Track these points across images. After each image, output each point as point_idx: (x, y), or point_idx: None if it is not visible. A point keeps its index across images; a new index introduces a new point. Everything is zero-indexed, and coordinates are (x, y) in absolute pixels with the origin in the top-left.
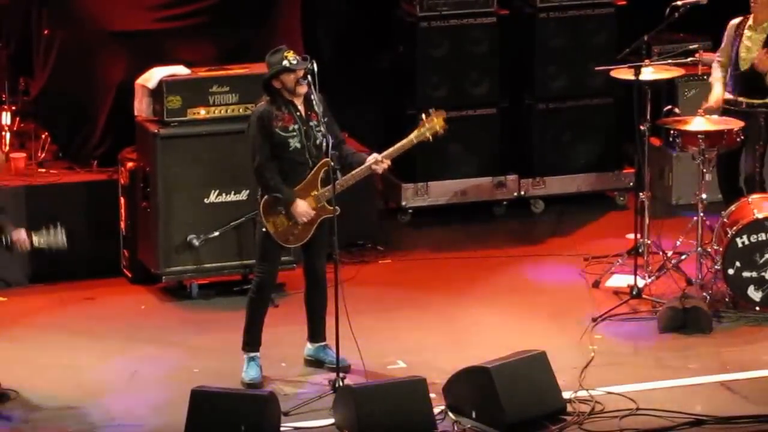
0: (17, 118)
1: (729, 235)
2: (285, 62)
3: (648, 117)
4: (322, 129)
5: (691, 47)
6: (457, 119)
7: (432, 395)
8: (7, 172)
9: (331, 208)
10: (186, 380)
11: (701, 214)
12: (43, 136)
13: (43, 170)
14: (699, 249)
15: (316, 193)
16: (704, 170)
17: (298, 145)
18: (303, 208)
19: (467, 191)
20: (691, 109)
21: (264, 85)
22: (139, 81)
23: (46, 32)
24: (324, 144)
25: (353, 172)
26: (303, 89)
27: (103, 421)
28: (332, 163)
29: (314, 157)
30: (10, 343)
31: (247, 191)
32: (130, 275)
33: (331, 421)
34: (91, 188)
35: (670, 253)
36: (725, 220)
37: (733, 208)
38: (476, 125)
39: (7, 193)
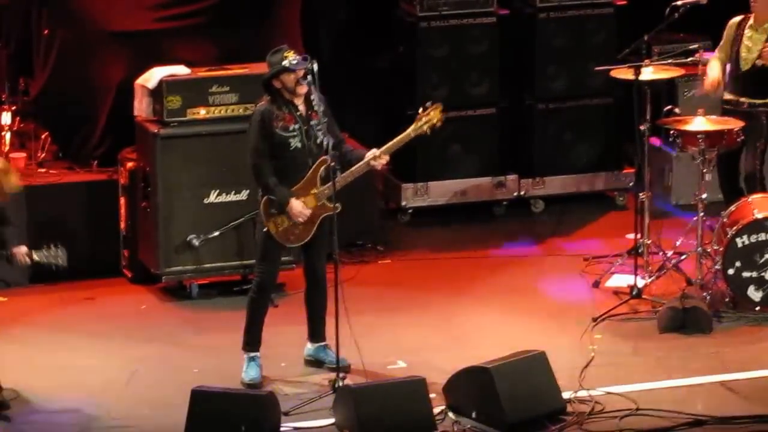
0: (17, 118)
1: (729, 235)
2: (285, 62)
3: (648, 117)
4: (322, 129)
5: (691, 47)
6: (457, 119)
7: (432, 395)
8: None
9: (331, 205)
10: (186, 380)
11: (701, 214)
12: (43, 136)
13: (43, 170)
14: (699, 249)
15: (315, 191)
16: (704, 170)
17: (299, 145)
18: (298, 208)
19: (467, 191)
20: (691, 109)
21: (264, 84)
22: (139, 81)
23: (46, 32)
24: (325, 143)
25: (352, 168)
26: (303, 89)
27: (103, 421)
28: (332, 162)
29: (315, 157)
30: (10, 343)
31: (247, 191)
32: (130, 275)
33: (331, 421)
34: (91, 188)
35: (670, 253)
36: (725, 220)
37: (733, 208)
38: (476, 125)
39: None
